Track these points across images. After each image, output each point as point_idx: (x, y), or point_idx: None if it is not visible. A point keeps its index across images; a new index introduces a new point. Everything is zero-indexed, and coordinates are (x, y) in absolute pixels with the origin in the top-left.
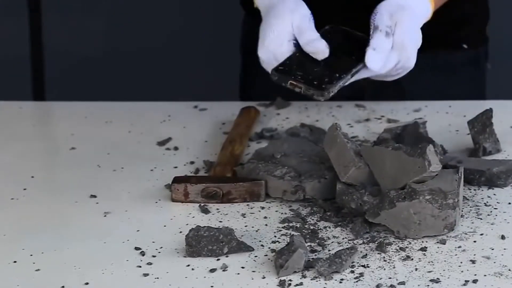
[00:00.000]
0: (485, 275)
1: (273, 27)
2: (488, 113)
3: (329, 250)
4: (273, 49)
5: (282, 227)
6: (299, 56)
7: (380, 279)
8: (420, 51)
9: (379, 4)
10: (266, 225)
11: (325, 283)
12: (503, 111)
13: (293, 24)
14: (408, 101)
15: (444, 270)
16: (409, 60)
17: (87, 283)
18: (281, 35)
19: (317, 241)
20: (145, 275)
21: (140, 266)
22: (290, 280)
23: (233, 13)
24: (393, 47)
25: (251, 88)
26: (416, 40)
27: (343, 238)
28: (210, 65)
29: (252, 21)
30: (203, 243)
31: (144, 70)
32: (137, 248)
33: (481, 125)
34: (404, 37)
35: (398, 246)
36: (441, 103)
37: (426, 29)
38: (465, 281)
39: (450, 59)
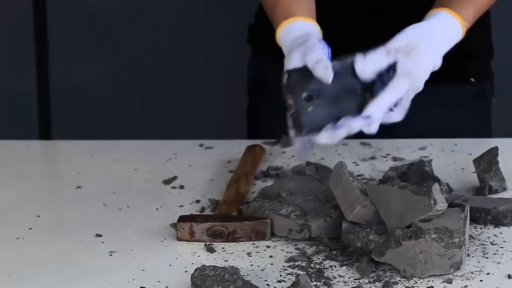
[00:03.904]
0: None
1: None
2: (493, 151)
3: None
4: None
5: (288, 266)
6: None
7: None
8: (426, 85)
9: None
10: (271, 264)
11: None
12: (509, 149)
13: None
14: (413, 139)
15: None
16: (419, 87)
17: None
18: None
19: (323, 280)
20: None
21: None
22: None
23: (239, 51)
24: (401, 75)
25: (258, 126)
26: (427, 69)
27: (349, 277)
28: (215, 103)
29: (259, 59)
30: (208, 283)
31: (150, 109)
32: None
33: (487, 163)
34: (415, 67)
35: (404, 285)
36: (447, 141)
37: None
38: None
39: (456, 93)
